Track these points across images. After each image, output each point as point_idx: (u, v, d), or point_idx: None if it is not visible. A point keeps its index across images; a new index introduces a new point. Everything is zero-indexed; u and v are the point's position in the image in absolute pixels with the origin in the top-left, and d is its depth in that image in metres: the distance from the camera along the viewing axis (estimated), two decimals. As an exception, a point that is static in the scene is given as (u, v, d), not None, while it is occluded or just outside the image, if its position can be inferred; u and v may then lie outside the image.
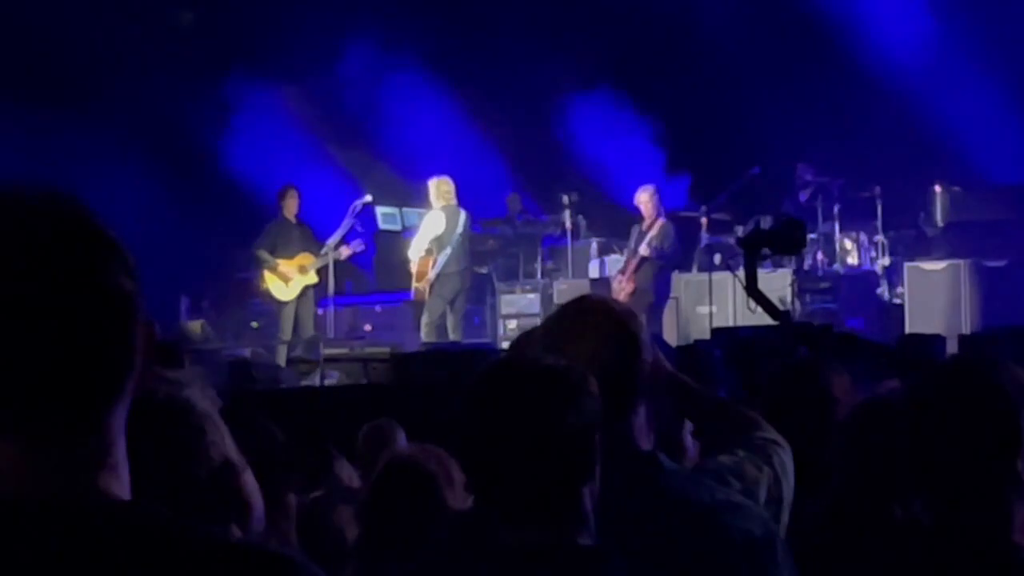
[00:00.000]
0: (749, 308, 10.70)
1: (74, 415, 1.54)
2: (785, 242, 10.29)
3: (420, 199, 16.58)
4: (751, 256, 10.22)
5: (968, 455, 2.79)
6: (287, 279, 15.51)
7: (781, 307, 10.44)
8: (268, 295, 15.77)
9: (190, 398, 2.11)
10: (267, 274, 15.63)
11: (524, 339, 3.31)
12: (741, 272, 10.48)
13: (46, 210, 1.55)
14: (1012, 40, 17.54)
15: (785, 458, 3.24)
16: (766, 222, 13.06)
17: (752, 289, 10.12)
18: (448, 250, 15.18)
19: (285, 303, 15.56)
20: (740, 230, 15.35)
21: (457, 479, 3.97)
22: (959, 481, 2.79)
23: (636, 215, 15.65)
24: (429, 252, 15.22)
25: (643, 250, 15.15)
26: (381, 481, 4.24)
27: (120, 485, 1.58)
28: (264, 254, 15.59)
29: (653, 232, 15.17)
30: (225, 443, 2.12)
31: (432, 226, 15.34)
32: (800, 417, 3.88)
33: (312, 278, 15.55)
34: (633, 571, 2.59)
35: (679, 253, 15.80)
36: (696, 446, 3.46)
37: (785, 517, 3.17)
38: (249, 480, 2.13)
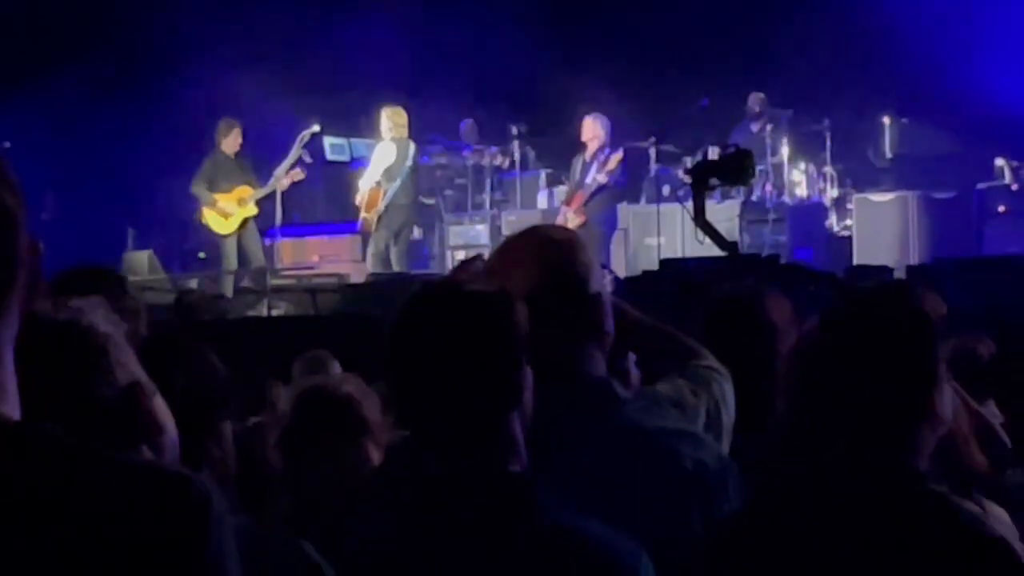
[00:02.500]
0: (697, 239, 10.72)
1: None
2: (733, 172, 10.30)
3: (369, 129, 16.49)
4: (699, 187, 10.23)
5: (881, 386, 2.75)
6: (226, 213, 15.39)
7: (729, 238, 10.46)
8: (208, 229, 15.67)
9: (92, 321, 2.08)
10: (205, 210, 15.53)
11: (463, 267, 3.28)
12: (690, 203, 10.48)
13: None
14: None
15: (725, 386, 3.23)
16: (714, 153, 13.06)
17: (700, 220, 10.13)
18: (397, 182, 15.08)
19: (226, 236, 15.46)
20: (688, 161, 15.33)
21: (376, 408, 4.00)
22: (871, 412, 2.75)
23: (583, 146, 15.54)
24: (379, 184, 15.14)
25: (600, 178, 14.99)
26: (297, 408, 4.26)
27: (7, 404, 1.53)
28: (201, 191, 15.47)
29: (610, 165, 15.03)
30: (132, 365, 2.09)
31: (383, 157, 15.24)
32: (741, 345, 3.86)
33: (252, 210, 15.42)
34: (582, 498, 2.57)
35: (628, 184, 15.76)
36: (639, 375, 3.45)
37: (725, 445, 3.17)
38: (160, 403, 2.10)
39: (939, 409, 2.77)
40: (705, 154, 13.70)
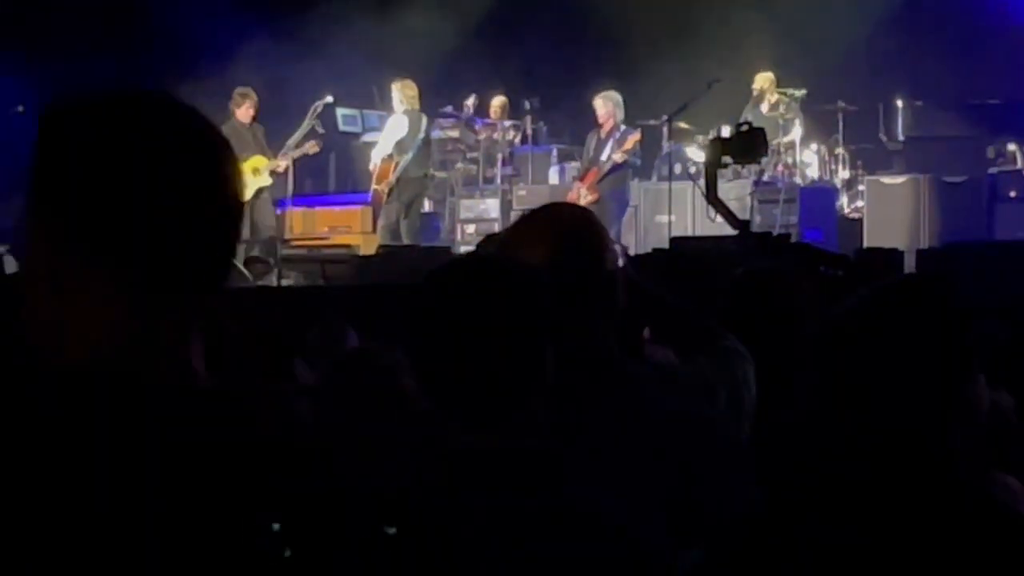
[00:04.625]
0: (709, 217, 10.72)
1: (193, 295, 1.64)
2: (746, 151, 10.28)
3: (381, 101, 16.48)
4: (712, 165, 10.21)
5: (914, 376, 2.73)
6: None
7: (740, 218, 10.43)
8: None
9: None
10: None
11: (487, 241, 3.28)
12: (701, 181, 10.46)
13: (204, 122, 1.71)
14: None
15: (748, 368, 3.22)
16: (727, 131, 13.03)
17: (712, 198, 10.12)
18: (409, 155, 15.11)
19: (239, 205, 15.46)
20: (701, 139, 15.31)
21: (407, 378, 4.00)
22: (902, 402, 2.73)
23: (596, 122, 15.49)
24: (391, 156, 15.16)
25: (617, 157, 14.96)
26: (339, 373, 4.24)
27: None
28: None
29: (628, 145, 15.00)
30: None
31: (395, 130, 15.26)
32: (763, 324, 3.85)
33: (266, 180, 15.44)
34: (591, 474, 2.57)
35: (641, 163, 15.76)
36: (657, 352, 3.45)
37: (746, 427, 3.16)
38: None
39: (971, 399, 2.74)
40: (718, 132, 13.69)
